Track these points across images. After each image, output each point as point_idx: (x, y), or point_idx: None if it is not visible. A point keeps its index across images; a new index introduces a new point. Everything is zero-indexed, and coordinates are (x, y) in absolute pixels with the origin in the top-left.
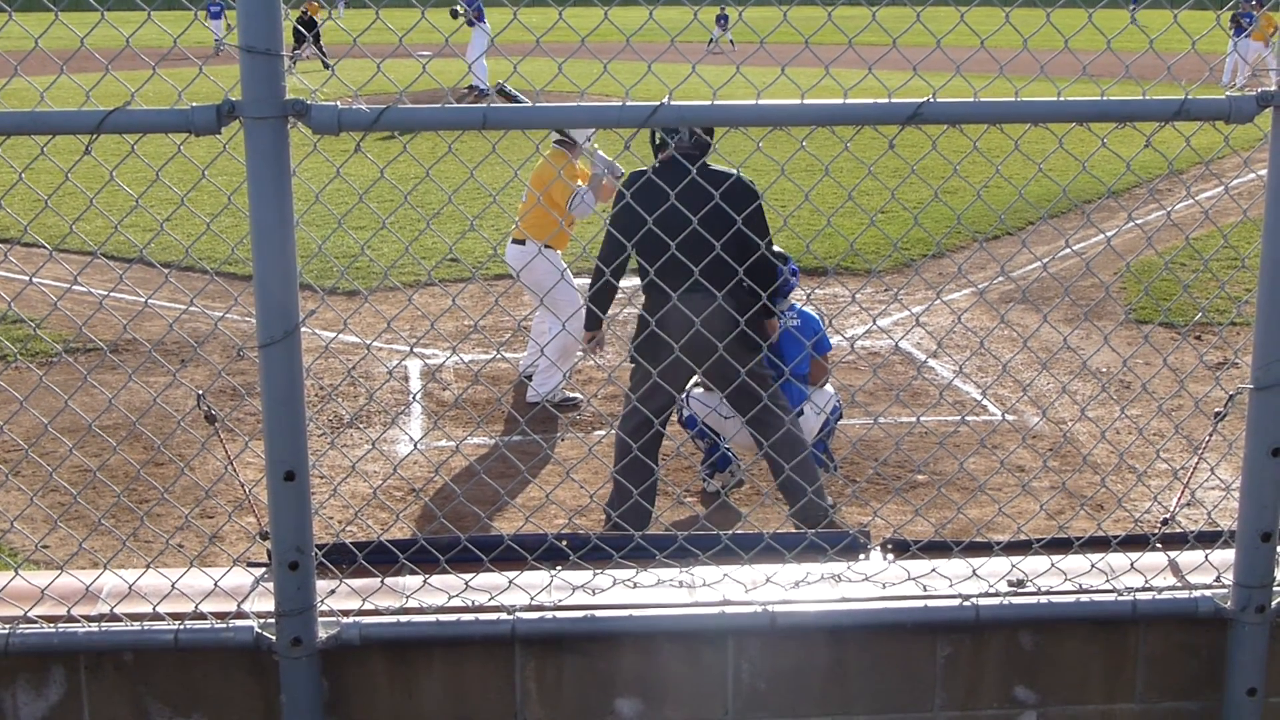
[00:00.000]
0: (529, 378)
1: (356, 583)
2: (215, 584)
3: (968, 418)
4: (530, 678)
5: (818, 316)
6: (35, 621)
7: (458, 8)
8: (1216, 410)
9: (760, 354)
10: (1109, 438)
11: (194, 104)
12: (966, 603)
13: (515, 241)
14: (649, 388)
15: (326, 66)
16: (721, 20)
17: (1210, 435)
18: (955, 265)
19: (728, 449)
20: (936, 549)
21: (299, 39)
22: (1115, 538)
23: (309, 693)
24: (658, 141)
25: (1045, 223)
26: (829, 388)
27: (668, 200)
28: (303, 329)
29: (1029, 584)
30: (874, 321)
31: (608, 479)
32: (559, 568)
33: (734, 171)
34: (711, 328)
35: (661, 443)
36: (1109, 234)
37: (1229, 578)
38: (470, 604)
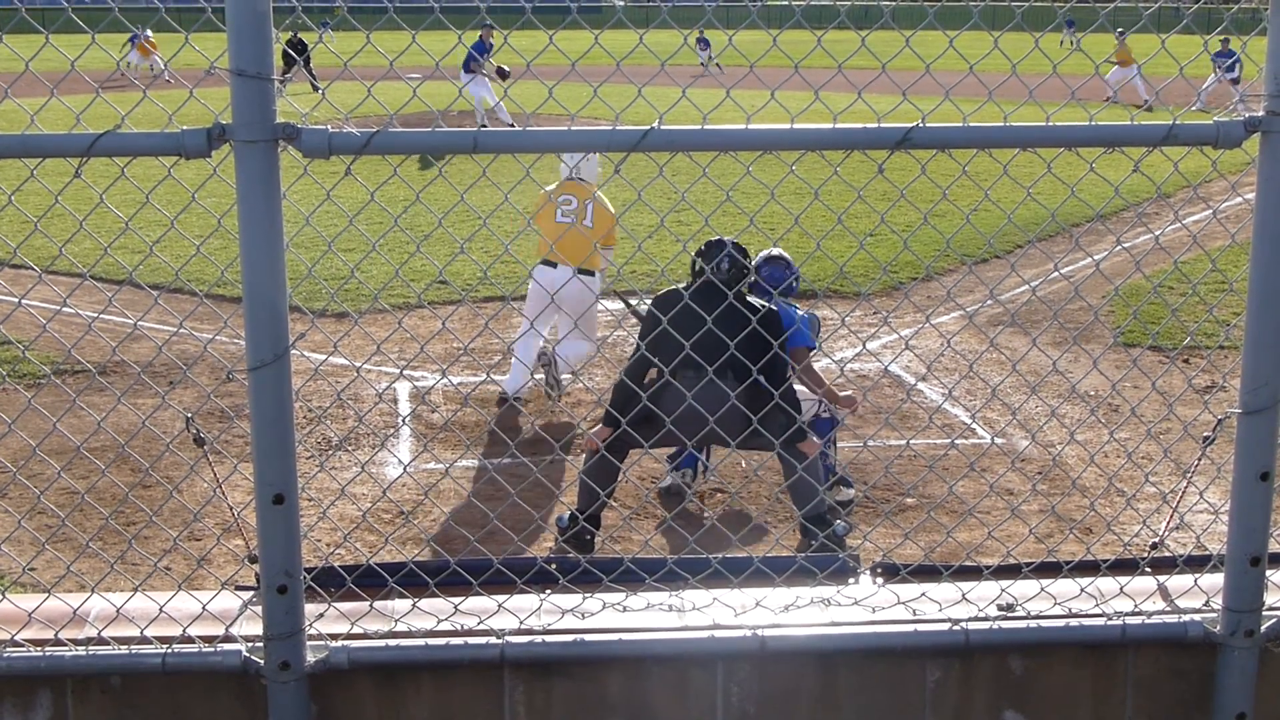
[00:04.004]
0: (517, 399)
1: (345, 606)
2: (203, 607)
3: (957, 441)
4: (519, 702)
5: (805, 318)
6: (22, 645)
7: (504, 68)
8: (1205, 434)
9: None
10: (1098, 461)
11: (185, 127)
12: (956, 627)
13: (548, 264)
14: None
15: (316, 89)
16: (702, 43)
17: (1199, 459)
18: (944, 289)
19: (695, 451)
20: (926, 573)
21: (289, 62)
22: (1104, 562)
23: (297, 717)
24: (697, 269)
25: (1034, 246)
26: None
27: (697, 319)
28: (292, 351)
29: (1018, 608)
30: (863, 345)
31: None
32: (548, 591)
33: (766, 305)
34: (717, 411)
35: (628, 449)
36: (1097, 258)
37: (1218, 602)
38: (459, 627)
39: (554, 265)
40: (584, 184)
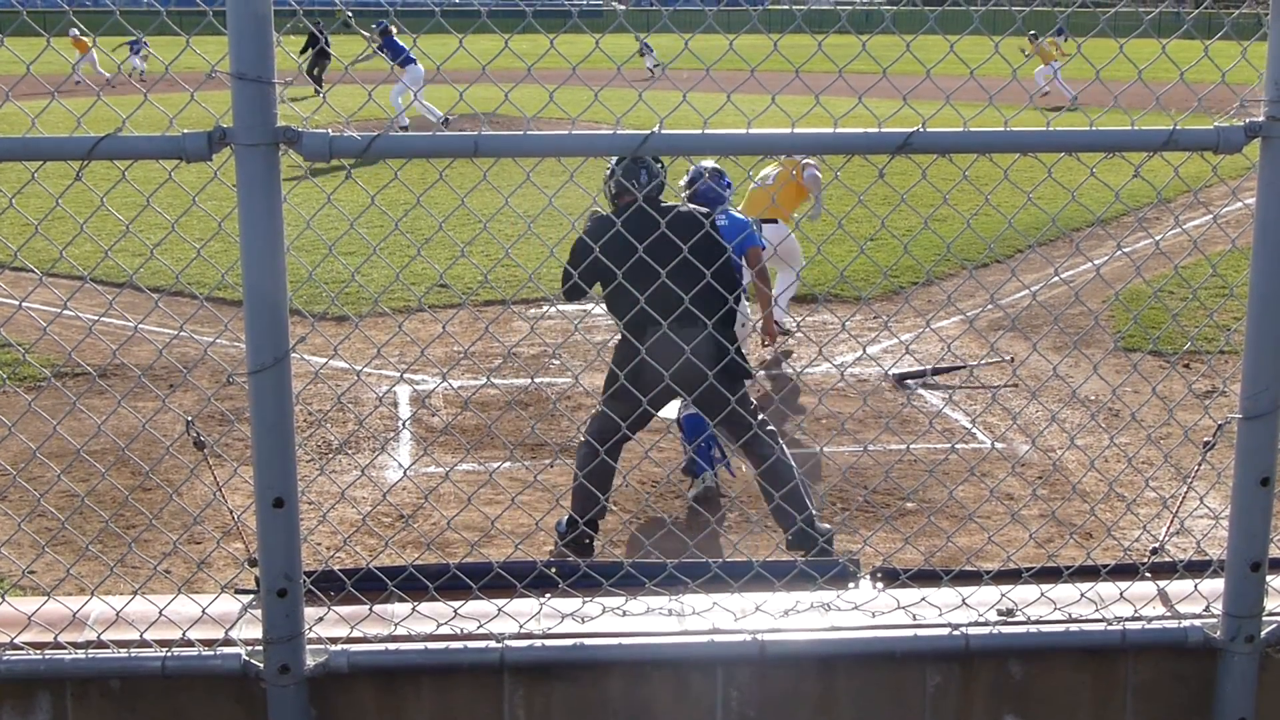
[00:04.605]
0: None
1: (345, 610)
2: (203, 611)
3: (957, 446)
4: (519, 705)
5: (747, 221)
6: (22, 648)
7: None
8: (1205, 439)
9: (748, 381)
10: (1098, 466)
11: (185, 130)
12: (956, 632)
13: (770, 221)
14: (625, 412)
15: (318, 93)
16: (645, 48)
17: (1199, 464)
18: (945, 293)
19: (711, 454)
20: (926, 578)
21: (319, 56)
22: (1104, 567)
23: None
24: (614, 190)
25: (1034, 251)
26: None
27: (638, 243)
28: (292, 355)
29: (1018, 613)
30: (864, 350)
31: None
32: (548, 595)
33: (695, 209)
34: (695, 359)
35: (622, 446)
36: (1098, 262)
37: (1218, 607)
38: (459, 632)
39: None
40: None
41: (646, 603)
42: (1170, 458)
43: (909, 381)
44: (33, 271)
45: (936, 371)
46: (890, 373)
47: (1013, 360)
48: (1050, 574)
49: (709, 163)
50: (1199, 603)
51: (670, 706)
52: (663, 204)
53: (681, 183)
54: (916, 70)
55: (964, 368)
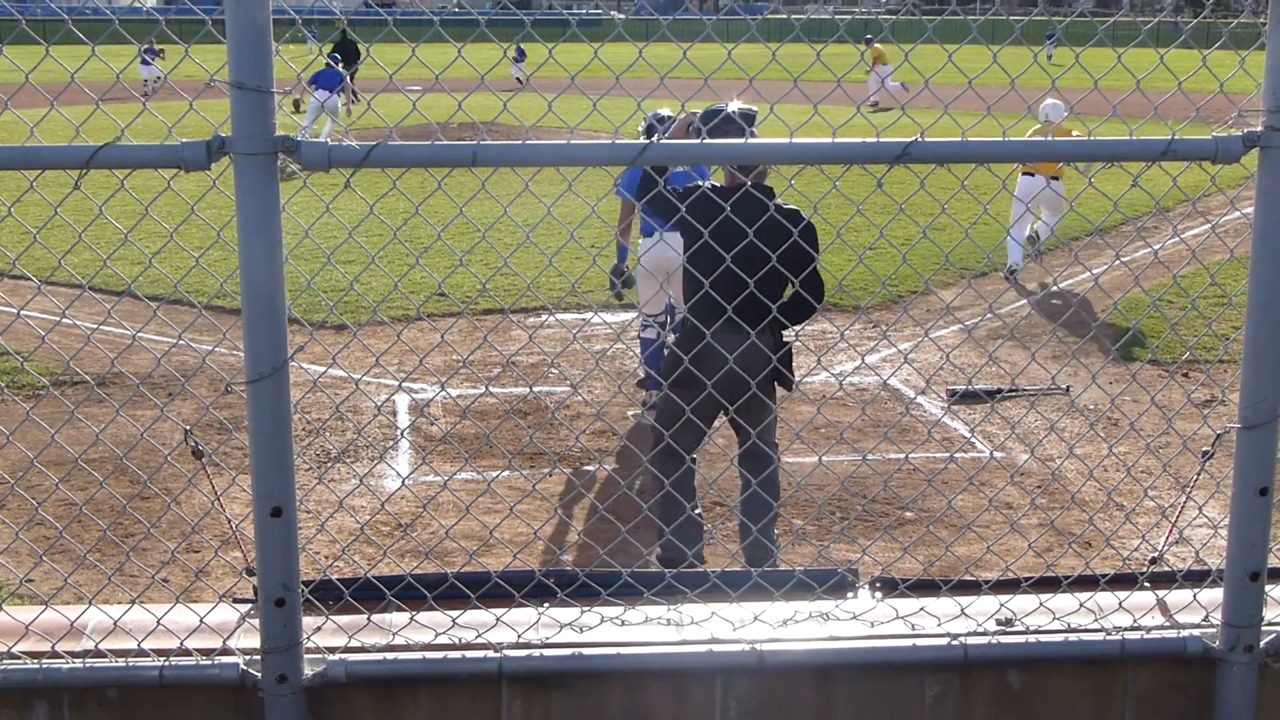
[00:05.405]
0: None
1: (343, 619)
2: (201, 620)
3: (956, 455)
4: (517, 716)
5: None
6: (19, 657)
7: (299, 99)
8: (1204, 449)
9: (788, 386)
10: (1097, 476)
11: (184, 140)
12: (955, 641)
13: (1028, 174)
14: (683, 423)
15: (297, 108)
16: (520, 53)
17: (1198, 474)
18: (943, 302)
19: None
20: (925, 587)
21: (348, 59)
22: (1103, 576)
23: None
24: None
25: (1033, 260)
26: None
27: (737, 231)
28: (291, 364)
29: (1017, 623)
30: (862, 359)
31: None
32: (546, 605)
33: (802, 212)
34: (754, 365)
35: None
36: (1096, 272)
37: (1217, 617)
38: (457, 641)
39: (1031, 175)
40: (1054, 125)
41: (645, 612)
42: (1169, 467)
43: (958, 399)
44: (31, 280)
45: (990, 394)
46: (950, 389)
47: (1068, 390)
48: (1049, 583)
49: (665, 110)
50: (1198, 612)
51: (669, 716)
52: (779, 203)
53: (640, 128)
54: (915, 80)
55: (1018, 393)
